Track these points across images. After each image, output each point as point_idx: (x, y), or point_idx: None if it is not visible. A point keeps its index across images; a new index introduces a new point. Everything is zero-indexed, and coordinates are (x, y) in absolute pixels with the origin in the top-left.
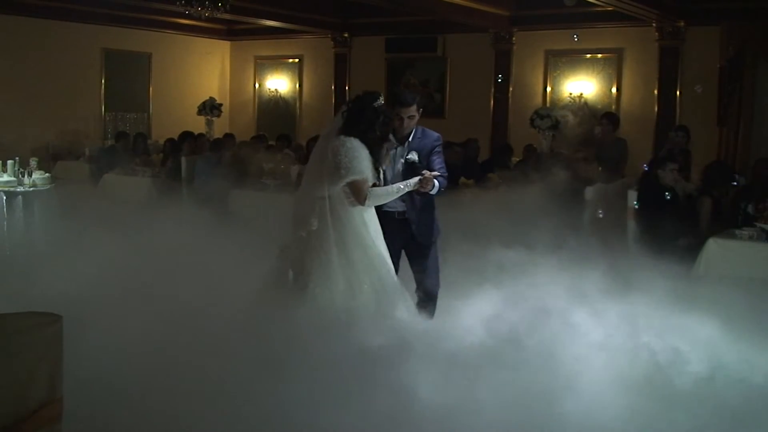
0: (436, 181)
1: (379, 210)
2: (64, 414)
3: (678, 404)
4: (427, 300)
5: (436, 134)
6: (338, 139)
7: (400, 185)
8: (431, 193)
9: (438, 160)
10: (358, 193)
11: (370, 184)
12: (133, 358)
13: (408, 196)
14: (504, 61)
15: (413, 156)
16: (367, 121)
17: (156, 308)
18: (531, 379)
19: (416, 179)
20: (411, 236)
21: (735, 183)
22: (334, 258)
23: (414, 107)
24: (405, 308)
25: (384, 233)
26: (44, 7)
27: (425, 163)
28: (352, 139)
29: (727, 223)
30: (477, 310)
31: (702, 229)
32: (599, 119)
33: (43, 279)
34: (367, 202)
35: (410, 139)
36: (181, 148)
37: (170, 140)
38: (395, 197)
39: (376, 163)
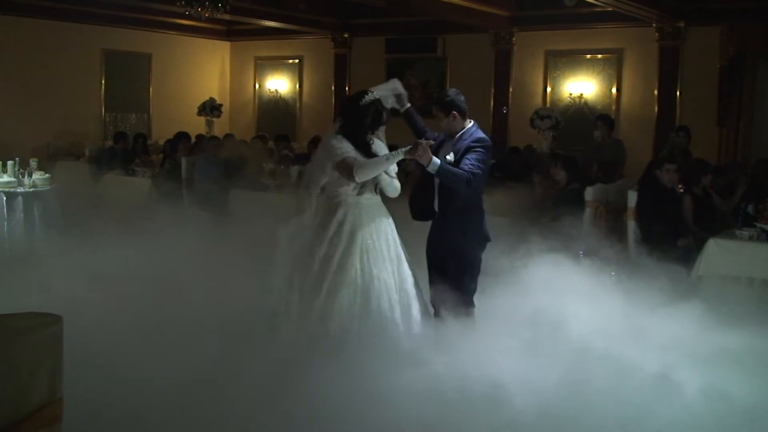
0: (436, 158)
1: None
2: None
3: None
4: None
5: (479, 135)
6: (324, 137)
7: (389, 154)
8: (430, 170)
9: (469, 157)
10: (347, 170)
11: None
12: (133, 359)
13: (438, 197)
14: (504, 62)
15: (450, 156)
16: (352, 120)
17: (156, 307)
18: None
19: (408, 147)
20: (442, 241)
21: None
22: (334, 257)
23: (435, 107)
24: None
25: (429, 237)
26: (44, 8)
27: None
28: (335, 134)
29: (725, 222)
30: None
31: (687, 227)
32: (595, 121)
33: (44, 279)
34: (356, 173)
35: (453, 139)
36: (177, 148)
37: (170, 141)
38: (386, 167)
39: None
